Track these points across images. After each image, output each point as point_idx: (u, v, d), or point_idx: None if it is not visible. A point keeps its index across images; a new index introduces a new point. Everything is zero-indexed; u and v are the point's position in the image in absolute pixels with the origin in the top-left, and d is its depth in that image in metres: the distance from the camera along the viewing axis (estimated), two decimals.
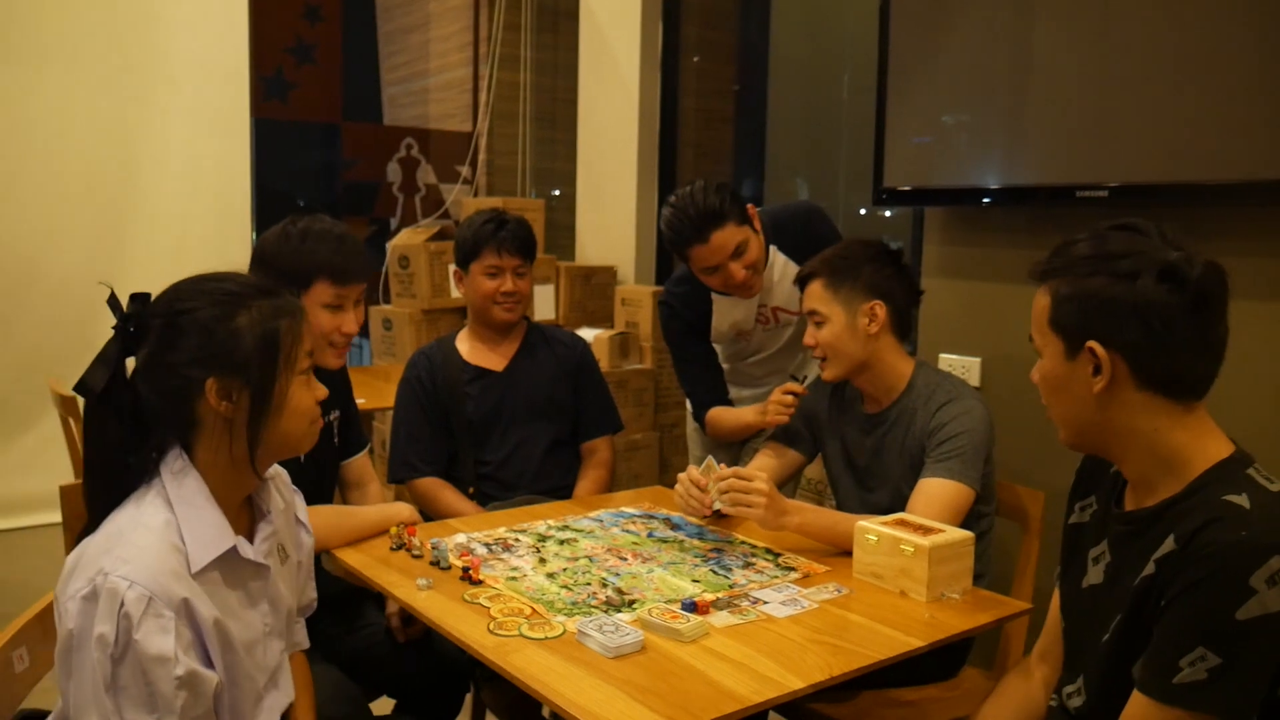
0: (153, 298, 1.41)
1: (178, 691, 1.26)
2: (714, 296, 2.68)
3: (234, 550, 1.39)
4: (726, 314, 2.71)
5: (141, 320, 1.38)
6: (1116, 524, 1.40)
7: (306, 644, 1.67)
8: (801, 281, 2.21)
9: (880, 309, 2.13)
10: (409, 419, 2.59)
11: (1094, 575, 1.43)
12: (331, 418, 2.20)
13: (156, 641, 1.25)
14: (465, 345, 2.66)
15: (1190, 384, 1.33)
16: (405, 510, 2.12)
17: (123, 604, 1.24)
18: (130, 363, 1.40)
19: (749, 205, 2.55)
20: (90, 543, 1.32)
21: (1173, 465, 1.33)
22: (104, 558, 1.27)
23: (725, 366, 2.85)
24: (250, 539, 1.46)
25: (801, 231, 2.67)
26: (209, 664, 1.34)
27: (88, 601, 1.25)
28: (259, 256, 2.05)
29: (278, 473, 1.60)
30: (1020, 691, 1.60)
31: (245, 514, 1.49)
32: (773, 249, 2.67)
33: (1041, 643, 1.61)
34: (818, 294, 2.15)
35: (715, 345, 2.82)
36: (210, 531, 1.37)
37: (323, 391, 1.50)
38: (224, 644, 1.36)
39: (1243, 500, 1.24)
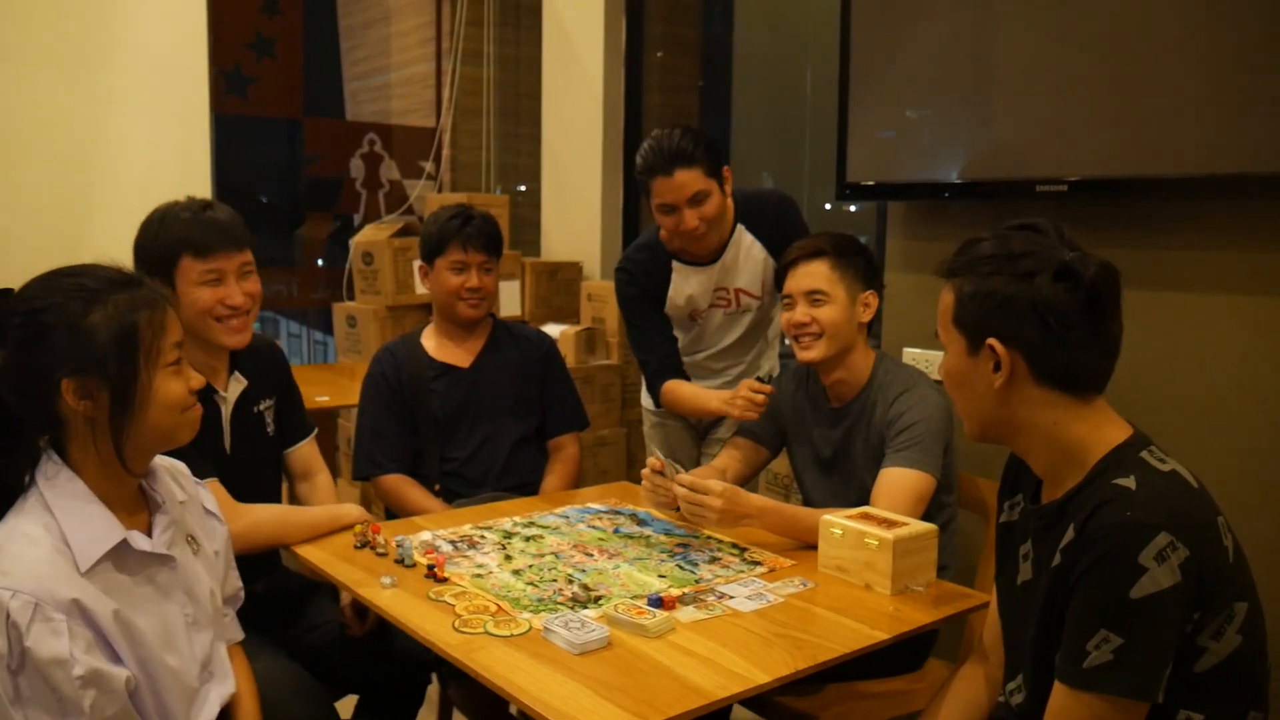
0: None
1: (83, 691, 1.26)
2: (674, 265, 2.68)
3: (126, 545, 1.38)
4: (683, 286, 2.70)
5: (3, 318, 1.36)
6: (1034, 519, 1.44)
7: (240, 636, 1.66)
8: (795, 260, 2.19)
9: (874, 299, 2.17)
10: (374, 415, 2.57)
11: (1025, 572, 1.46)
12: (262, 407, 2.17)
13: (49, 644, 1.24)
14: (431, 342, 2.64)
15: (1087, 379, 1.37)
16: (354, 511, 2.10)
17: (8, 614, 1.23)
18: None
19: (726, 168, 2.55)
20: None
21: (1074, 456, 1.37)
22: None
23: (685, 360, 2.83)
24: (148, 532, 1.44)
25: (772, 218, 2.68)
26: (118, 661, 1.33)
27: None
28: (134, 250, 2.01)
29: (175, 465, 1.58)
30: (966, 689, 1.62)
31: (140, 508, 1.47)
32: (740, 228, 2.68)
33: (984, 640, 1.64)
34: (824, 273, 2.14)
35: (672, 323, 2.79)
36: (95, 528, 1.35)
37: (198, 381, 1.48)
38: (131, 639, 1.35)
39: (1129, 482, 1.28)
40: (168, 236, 1.98)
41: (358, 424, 2.60)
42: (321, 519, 2.06)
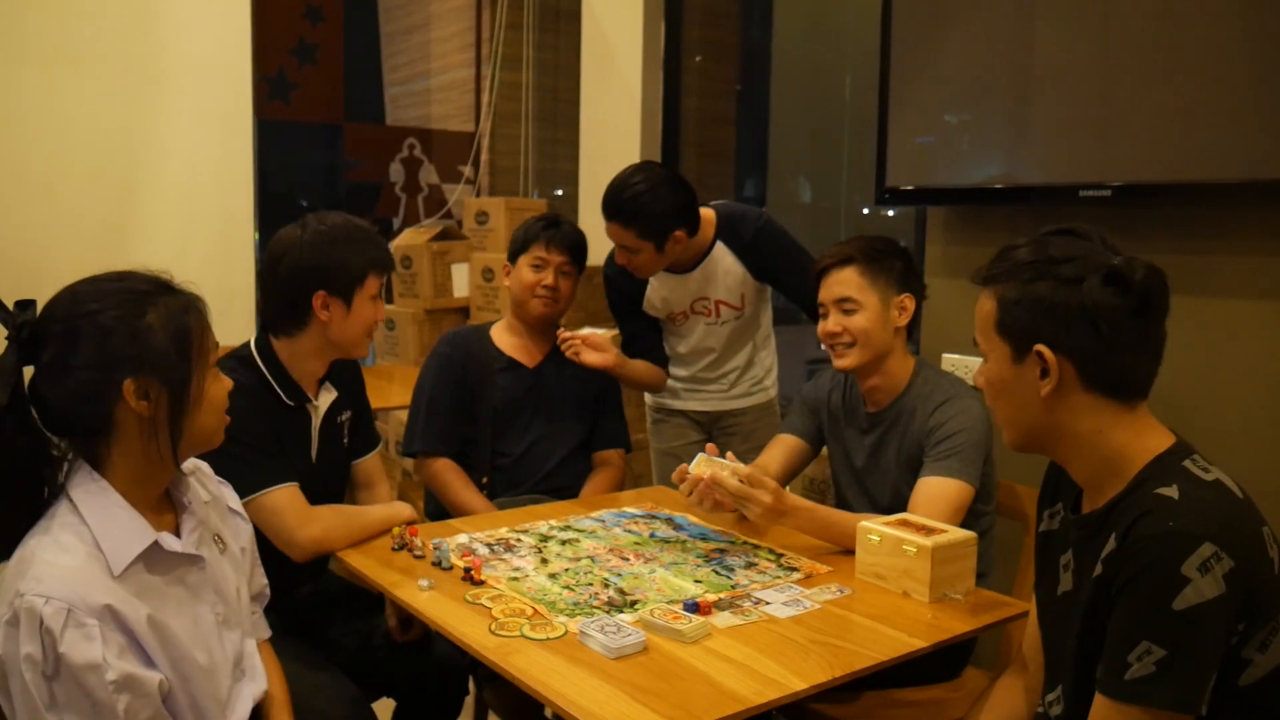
0: (39, 304, 1.39)
1: (117, 696, 1.27)
2: None
3: (158, 547, 1.39)
4: (658, 288, 2.84)
5: (37, 326, 1.36)
6: (1074, 529, 1.42)
7: (267, 634, 1.68)
8: (825, 268, 2.18)
9: (910, 302, 2.15)
10: (433, 394, 2.59)
11: (1065, 582, 1.44)
12: (343, 418, 2.21)
13: (83, 650, 1.25)
14: (500, 336, 2.69)
15: (1134, 384, 1.35)
16: (406, 510, 2.13)
17: (42, 620, 1.24)
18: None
19: (679, 232, 2.62)
20: (4, 570, 1.32)
21: (1116, 465, 1.35)
22: (19, 581, 1.27)
23: (683, 374, 2.97)
24: (176, 534, 1.45)
25: (750, 238, 2.76)
26: (150, 665, 1.34)
27: (10, 626, 1.25)
28: (301, 258, 2.02)
29: (198, 466, 1.59)
30: (1005, 700, 1.60)
31: (167, 510, 1.48)
32: (720, 244, 2.77)
33: (1024, 650, 1.62)
34: (853, 281, 2.13)
35: (671, 352, 2.96)
36: (127, 532, 1.36)
37: (229, 383, 1.51)
38: (164, 641, 1.36)
39: (1172, 491, 1.26)
40: (366, 251, 2.07)
41: (414, 399, 2.62)
42: (381, 517, 2.10)
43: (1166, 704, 1.21)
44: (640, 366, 2.84)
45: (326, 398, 2.14)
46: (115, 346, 1.35)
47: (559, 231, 2.62)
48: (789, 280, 2.75)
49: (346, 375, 2.22)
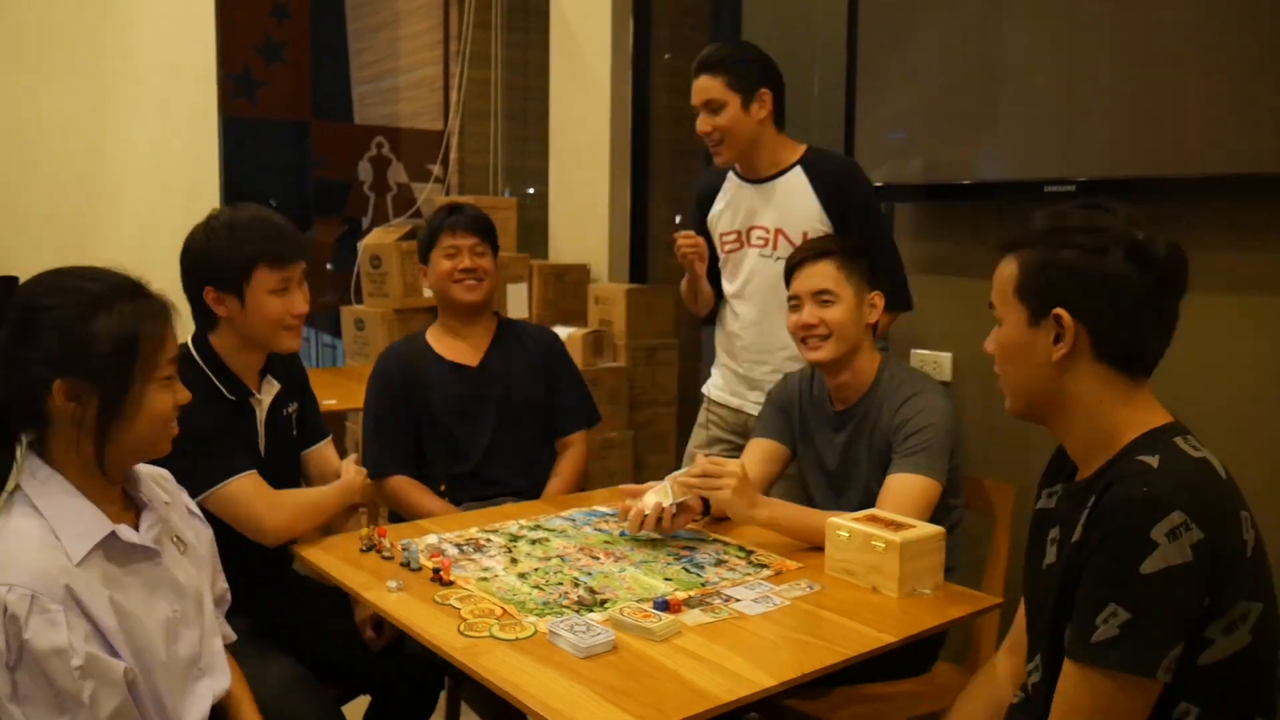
0: (20, 282, 1.40)
1: (82, 682, 1.26)
2: (728, 174, 2.74)
3: (115, 538, 1.39)
4: (725, 194, 2.76)
5: (2, 307, 1.37)
6: (1064, 501, 1.43)
7: (232, 637, 1.67)
8: (801, 261, 2.19)
9: (880, 300, 2.17)
10: (378, 414, 2.58)
11: (1050, 555, 1.44)
12: (289, 411, 2.19)
13: (48, 636, 1.25)
14: (437, 341, 2.65)
15: (1143, 360, 1.37)
16: (359, 478, 2.18)
17: (6, 607, 1.24)
18: None
19: (764, 90, 2.57)
20: None
21: (1109, 437, 1.36)
22: None
23: (738, 334, 2.75)
24: (135, 528, 1.45)
25: (832, 176, 2.59)
26: (114, 654, 1.33)
27: None
28: (189, 257, 2.03)
29: (156, 472, 1.59)
30: (989, 687, 1.61)
31: (126, 507, 1.48)
32: (799, 169, 2.61)
33: (1011, 635, 1.62)
34: (831, 274, 2.15)
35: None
36: (83, 521, 1.37)
37: (185, 395, 1.50)
38: (126, 629, 1.36)
39: (1153, 460, 1.27)
40: (246, 245, 2.01)
41: (364, 424, 2.61)
42: (338, 493, 2.14)
43: (1124, 666, 1.22)
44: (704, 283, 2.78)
45: (270, 390, 2.12)
46: (56, 344, 1.36)
47: (462, 215, 2.62)
48: (861, 234, 2.49)
49: (289, 367, 2.20)
